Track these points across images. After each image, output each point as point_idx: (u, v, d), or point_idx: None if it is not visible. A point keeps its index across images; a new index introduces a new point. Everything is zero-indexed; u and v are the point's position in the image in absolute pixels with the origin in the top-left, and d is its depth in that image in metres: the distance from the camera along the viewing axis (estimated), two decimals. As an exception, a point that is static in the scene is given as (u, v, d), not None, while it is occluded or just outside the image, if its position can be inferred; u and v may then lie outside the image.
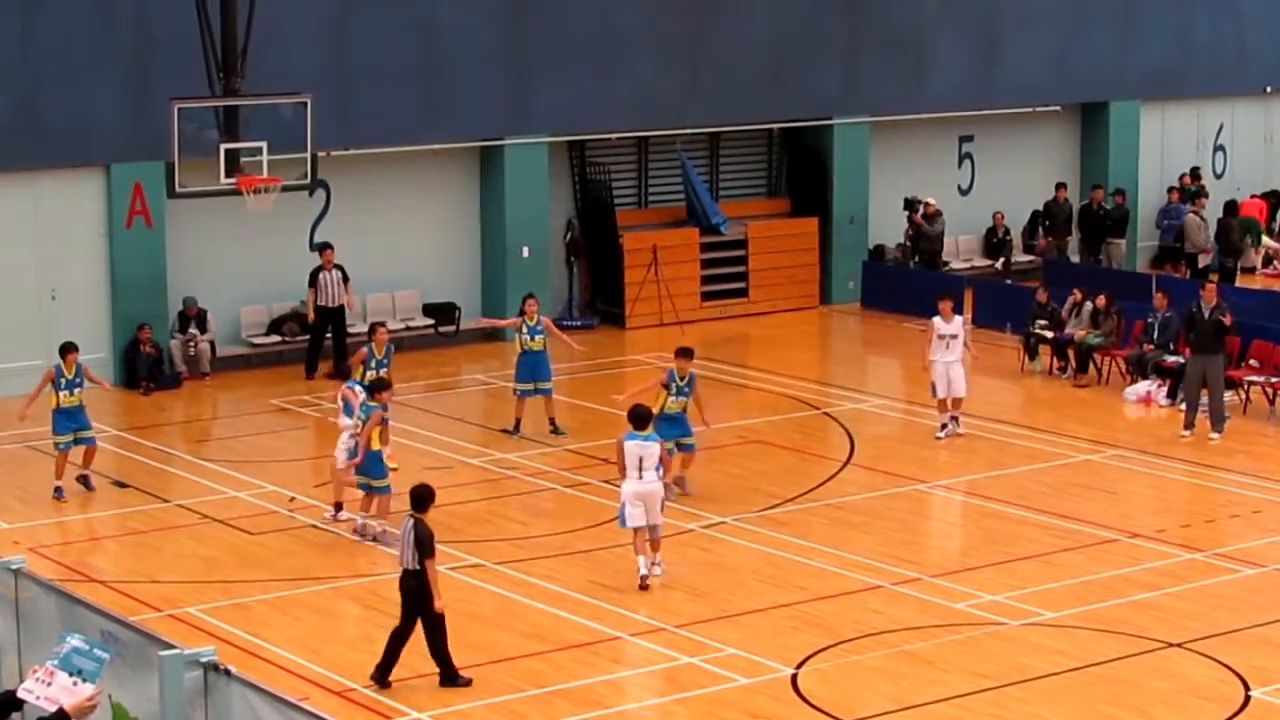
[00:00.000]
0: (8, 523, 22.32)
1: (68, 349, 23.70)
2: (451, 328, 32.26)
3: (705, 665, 17.76)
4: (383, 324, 25.83)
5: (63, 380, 23.26)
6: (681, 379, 22.76)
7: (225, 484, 24.01)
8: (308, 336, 30.22)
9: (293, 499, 23.26)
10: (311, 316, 29.83)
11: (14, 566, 13.62)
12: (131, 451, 25.74)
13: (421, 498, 17.27)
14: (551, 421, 26.13)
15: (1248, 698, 16.88)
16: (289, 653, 18.02)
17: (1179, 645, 18.12)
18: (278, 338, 30.77)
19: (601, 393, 27.88)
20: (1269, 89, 40.76)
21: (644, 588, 19.72)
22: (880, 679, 17.38)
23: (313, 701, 15.44)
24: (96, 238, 29.30)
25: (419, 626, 17.06)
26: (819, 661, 17.78)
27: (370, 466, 21.39)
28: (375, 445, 21.54)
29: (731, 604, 19.48)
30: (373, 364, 24.37)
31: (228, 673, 11.02)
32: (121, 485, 23.65)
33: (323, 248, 30.06)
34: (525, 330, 25.95)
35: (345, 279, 29.88)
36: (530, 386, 26.05)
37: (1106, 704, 16.76)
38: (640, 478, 19.77)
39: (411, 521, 17.05)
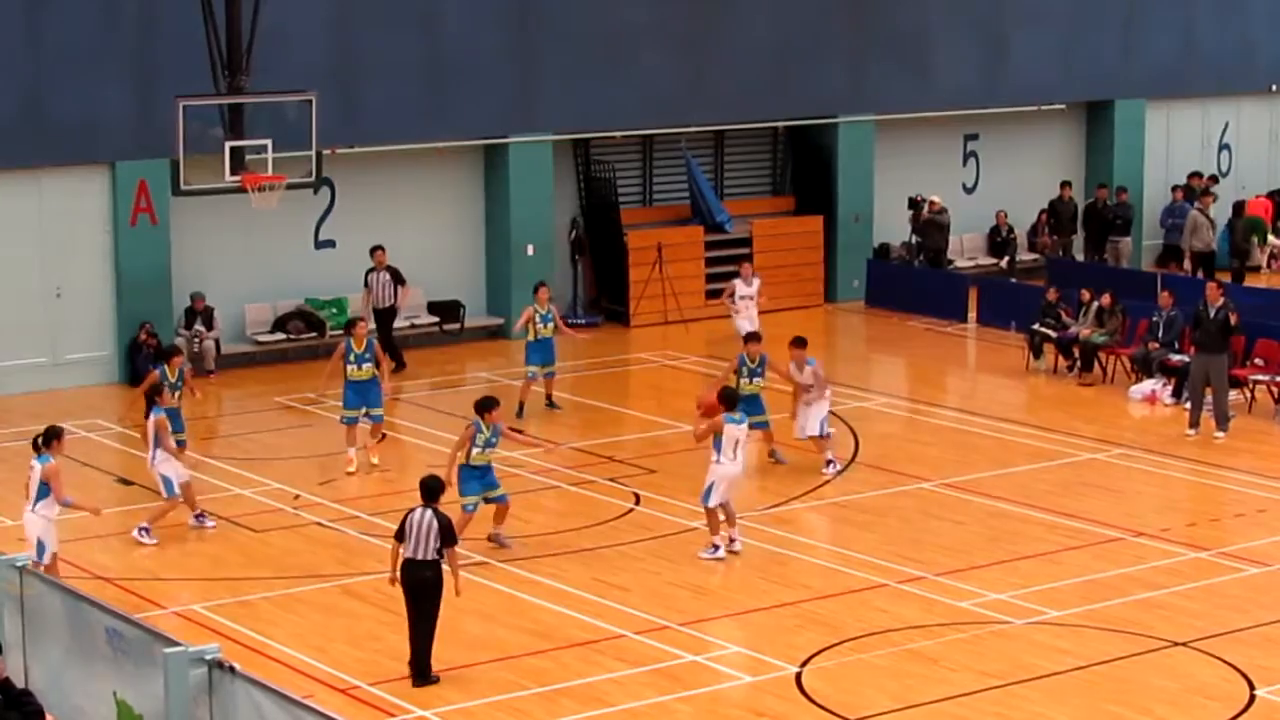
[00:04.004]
0: (13, 520, 22.30)
1: (172, 353, 23.30)
2: (456, 325, 32.25)
3: (709, 663, 17.76)
4: (362, 319, 25.65)
5: (167, 383, 22.87)
6: (752, 362, 23.66)
7: (230, 481, 24.01)
8: (313, 334, 30.20)
9: (297, 496, 23.26)
10: (365, 317, 29.73)
11: (19, 564, 13.63)
12: (135, 449, 25.69)
13: (433, 489, 17.40)
14: (549, 398, 27.05)
15: (1253, 697, 16.87)
16: (294, 650, 18.01)
17: (1184, 644, 18.11)
18: (282, 335, 30.76)
19: (607, 391, 27.89)
20: (1275, 87, 40.70)
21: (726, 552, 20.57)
22: (885, 677, 17.37)
23: (317, 700, 15.45)
24: (101, 235, 29.29)
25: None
26: (823, 660, 17.77)
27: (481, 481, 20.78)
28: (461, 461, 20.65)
29: (736, 602, 19.47)
30: (352, 358, 24.21)
31: (232, 670, 11.04)
32: (126, 483, 23.63)
33: (375, 249, 30.05)
34: (538, 318, 26.39)
35: (399, 280, 29.89)
36: (539, 369, 26.70)
37: (1112, 703, 16.75)
38: (735, 459, 20.47)
39: (430, 512, 17.11)
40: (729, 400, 20.76)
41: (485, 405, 20.65)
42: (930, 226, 35.65)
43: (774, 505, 22.84)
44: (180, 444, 22.77)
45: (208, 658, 11.13)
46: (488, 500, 20.83)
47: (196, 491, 22.18)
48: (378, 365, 24.34)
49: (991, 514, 22.53)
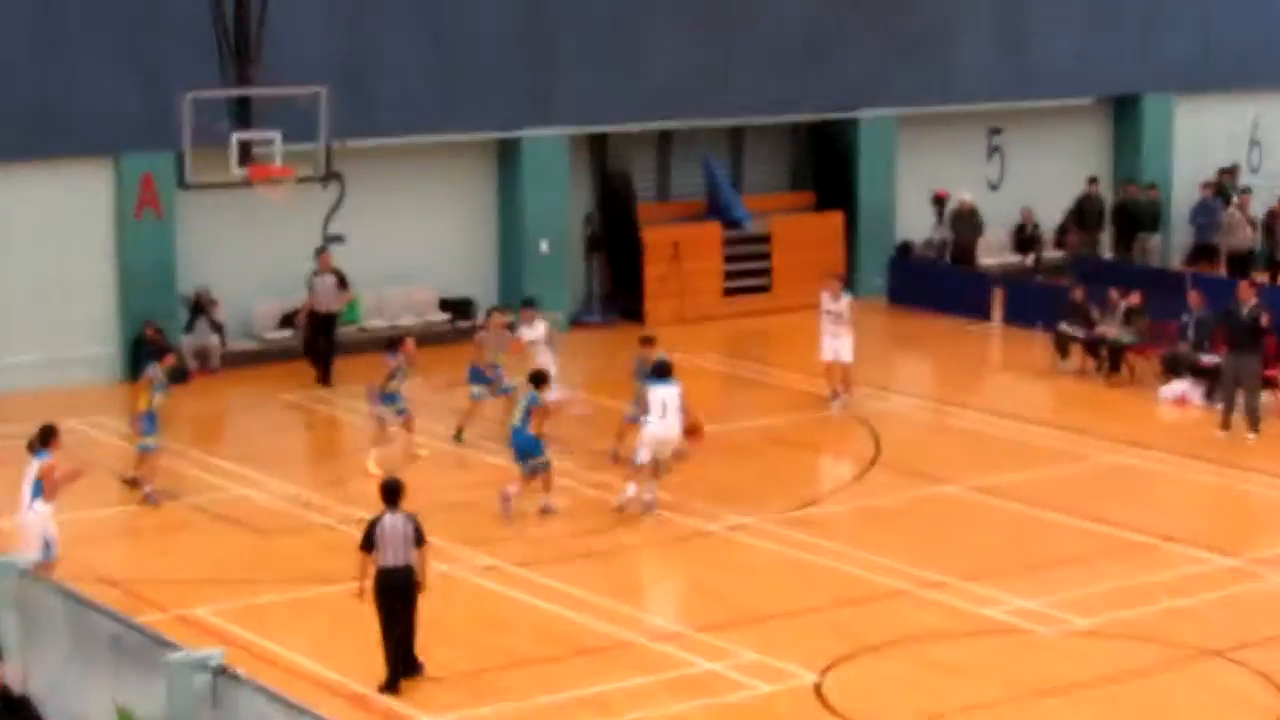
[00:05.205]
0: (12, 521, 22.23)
1: (163, 351, 23.92)
2: (468, 323, 32.16)
3: (725, 671, 17.67)
4: (410, 335, 25.76)
5: (158, 382, 23.10)
6: (647, 364, 23.72)
7: (235, 482, 23.95)
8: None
9: (307, 503, 23.18)
10: (302, 320, 29.65)
11: (19, 566, 13.55)
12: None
13: (397, 491, 17.32)
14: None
15: (1286, 708, 16.77)
16: (301, 656, 17.97)
17: (1216, 653, 17.98)
18: (289, 332, 30.67)
19: (620, 391, 27.78)
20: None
21: (620, 510, 22.18)
22: (906, 687, 17.28)
23: (325, 708, 15.36)
24: (105, 229, 29.23)
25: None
26: (843, 669, 17.68)
27: (529, 447, 22.30)
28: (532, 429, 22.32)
29: (753, 608, 19.38)
30: (399, 376, 24.61)
31: (236, 677, 10.95)
32: (131, 483, 23.54)
33: (320, 250, 29.79)
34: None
35: (343, 284, 29.56)
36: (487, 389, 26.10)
37: (1141, 714, 16.64)
38: (663, 419, 22.10)
39: (401, 516, 17.10)
40: (661, 369, 22.59)
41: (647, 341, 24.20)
42: (962, 222, 35.54)
43: (794, 508, 22.74)
44: (146, 448, 22.98)
45: (211, 664, 11.06)
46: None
47: (202, 492, 22.06)
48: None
49: (1017, 518, 22.43)
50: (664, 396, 22.36)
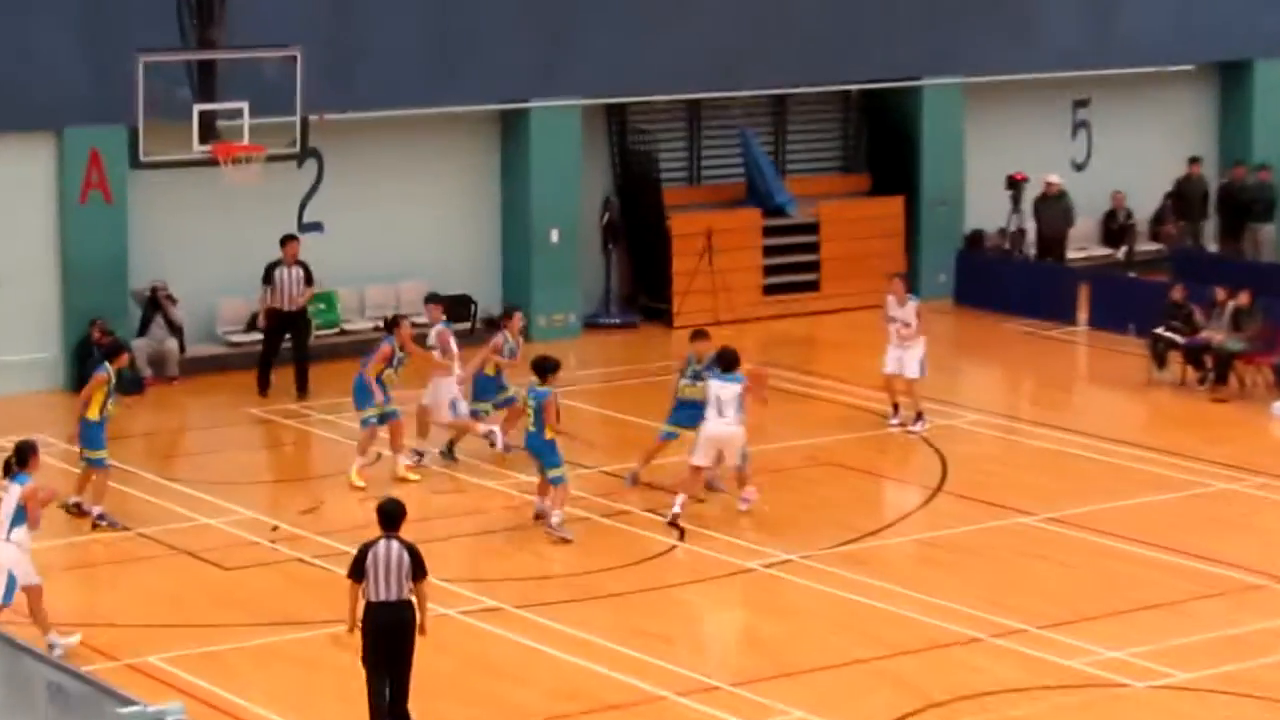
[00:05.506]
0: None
1: (118, 350, 23.98)
2: (466, 325, 32.20)
3: (768, 732, 17.68)
4: (405, 317, 25.87)
5: (110, 387, 23.21)
6: (699, 362, 24.18)
7: (196, 509, 23.97)
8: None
9: (276, 527, 23.23)
10: (263, 320, 29.68)
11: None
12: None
13: (394, 514, 17.16)
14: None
15: None
16: (269, 711, 17.93)
17: (1338, 713, 17.98)
18: (259, 336, 30.71)
19: (642, 404, 27.80)
20: None
21: (673, 524, 23.00)
22: (978, 750, 17.29)
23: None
24: (45, 215, 29.30)
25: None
26: (904, 728, 17.67)
27: (545, 453, 22.86)
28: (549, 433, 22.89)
29: (798, 658, 19.36)
30: (395, 362, 24.82)
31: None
32: (75, 510, 23.53)
33: (287, 239, 29.75)
34: (506, 351, 25.84)
35: (309, 279, 29.55)
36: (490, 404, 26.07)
37: (1251, 783, 16.63)
38: (720, 417, 23.02)
39: (396, 543, 16.98)
40: (725, 360, 23.43)
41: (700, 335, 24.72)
42: (1049, 209, 35.51)
43: (844, 542, 22.75)
44: (99, 463, 23.00)
45: (168, 719, 11.06)
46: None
47: (156, 520, 22.10)
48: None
49: (1105, 554, 22.43)
50: (720, 391, 23.12)
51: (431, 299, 26.79)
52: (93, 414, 22.95)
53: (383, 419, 24.85)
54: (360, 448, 24.90)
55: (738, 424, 23.18)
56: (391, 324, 25.39)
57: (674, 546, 22.58)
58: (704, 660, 19.40)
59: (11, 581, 18.76)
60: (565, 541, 22.57)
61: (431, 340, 25.69)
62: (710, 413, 23.16)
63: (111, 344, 25.01)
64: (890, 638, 19.83)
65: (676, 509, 23.08)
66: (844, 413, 28.46)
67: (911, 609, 20.65)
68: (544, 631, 20.00)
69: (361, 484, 24.53)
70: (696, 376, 24.09)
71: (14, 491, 18.89)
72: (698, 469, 23.46)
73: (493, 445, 25.45)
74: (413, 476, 24.85)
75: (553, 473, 22.85)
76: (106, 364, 23.28)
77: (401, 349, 24.97)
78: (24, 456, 19.14)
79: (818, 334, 33.62)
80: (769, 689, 18.53)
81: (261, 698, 18.28)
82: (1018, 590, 21.25)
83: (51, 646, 18.67)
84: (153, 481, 25.17)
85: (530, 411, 22.99)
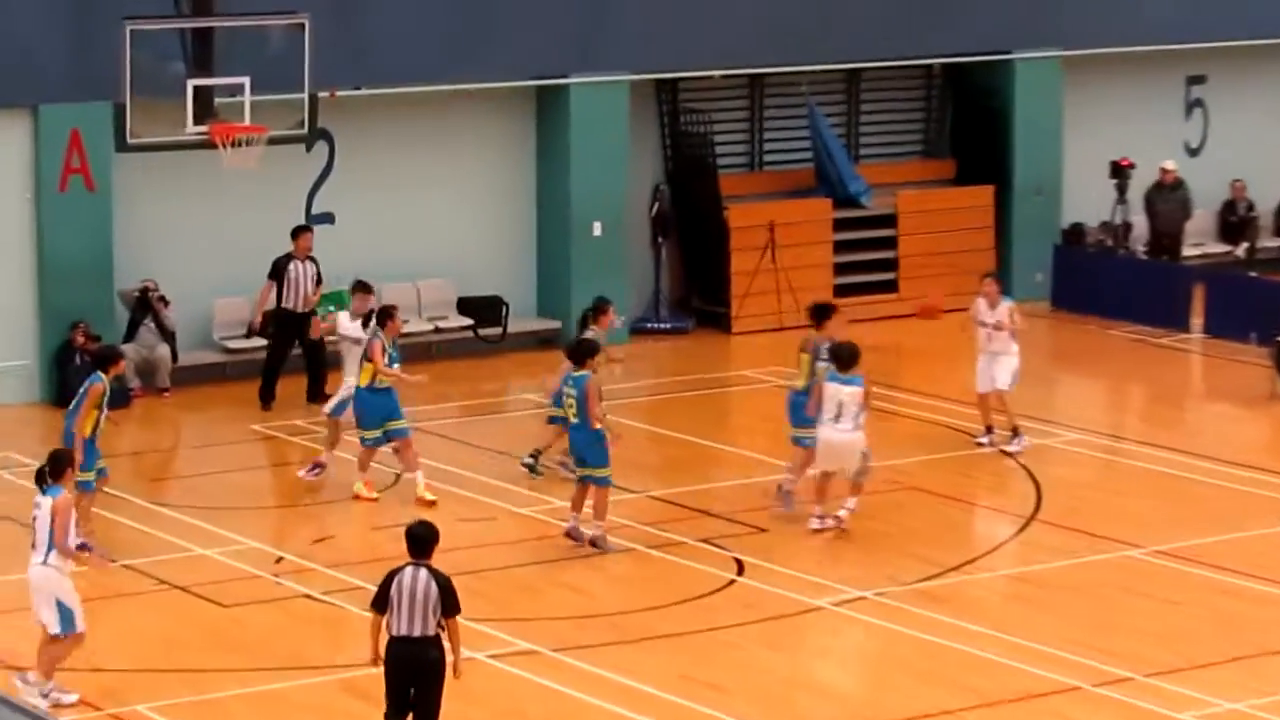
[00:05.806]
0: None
1: (112, 357, 23.80)
2: (496, 330, 32.33)
3: (837, 791, 17.83)
4: (395, 307, 25.88)
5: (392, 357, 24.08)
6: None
7: (190, 538, 24.09)
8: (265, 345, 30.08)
9: (280, 559, 23.35)
10: (258, 320, 29.74)
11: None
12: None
13: (424, 539, 17.17)
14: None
15: None
16: (274, 766, 18.13)
17: None
18: (261, 341, 30.79)
19: (696, 420, 27.88)
20: None
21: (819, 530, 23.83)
22: (1076, 813, 17.37)
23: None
24: (19, 204, 29.47)
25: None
26: (992, 788, 17.82)
27: (591, 447, 23.18)
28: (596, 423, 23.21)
29: (873, 711, 19.44)
30: (389, 359, 24.92)
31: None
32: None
33: (299, 231, 29.80)
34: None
35: (319, 277, 29.60)
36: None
37: None
38: (838, 423, 23.55)
39: (425, 571, 17.02)
40: (840, 357, 23.77)
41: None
42: (1164, 200, 35.51)
43: (925, 578, 22.81)
44: (102, 473, 23.18)
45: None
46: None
47: (145, 551, 22.21)
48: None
49: (1221, 591, 22.45)
50: (836, 393, 23.67)
51: (360, 287, 26.48)
52: (88, 430, 22.92)
53: (388, 437, 25.01)
54: (360, 464, 25.10)
55: (855, 430, 23.64)
56: (383, 317, 25.24)
57: (731, 581, 22.64)
58: (764, 713, 19.45)
59: (64, 609, 18.84)
60: (608, 552, 23.08)
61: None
62: (826, 418, 23.67)
63: (104, 350, 24.58)
64: (979, 686, 19.85)
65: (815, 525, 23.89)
66: (926, 430, 28.49)
67: (1002, 653, 20.67)
68: (584, 678, 20.06)
69: (372, 495, 24.73)
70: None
71: (45, 506, 18.84)
72: (827, 474, 24.06)
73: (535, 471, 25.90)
74: (429, 496, 24.95)
75: (599, 472, 23.01)
76: (100, 373, 23.17)
77: (393, 344, 25.00)
78: (58, 466, 19.07)
79: (896, 340, 33.53)
80: (838, 743, 18.74)
81: (265, 750, 18.49)
82: (1122, 632, 21.27)
83: (44, 694, 18.85)
84: (141, 507, 25.27)
85: (572, 401, 23.12)
